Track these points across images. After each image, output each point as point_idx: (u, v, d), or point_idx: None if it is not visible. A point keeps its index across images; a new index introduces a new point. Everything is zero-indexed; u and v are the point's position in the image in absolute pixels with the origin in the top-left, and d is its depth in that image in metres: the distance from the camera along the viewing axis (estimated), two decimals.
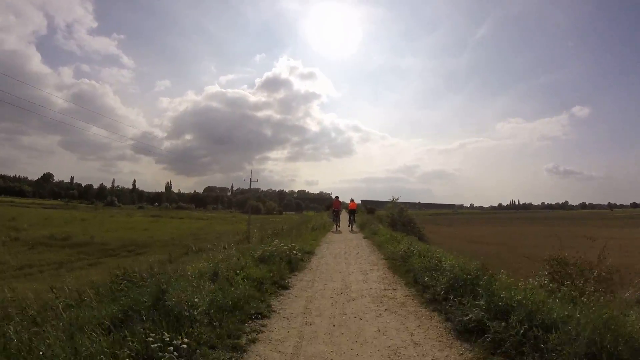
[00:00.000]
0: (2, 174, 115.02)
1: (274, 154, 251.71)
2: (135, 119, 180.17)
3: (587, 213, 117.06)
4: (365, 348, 3.43)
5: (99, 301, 4.83)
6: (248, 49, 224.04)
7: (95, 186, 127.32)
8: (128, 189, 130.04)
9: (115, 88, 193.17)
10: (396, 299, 5.10)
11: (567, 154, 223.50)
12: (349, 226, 18.74)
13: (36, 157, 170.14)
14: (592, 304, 3.67)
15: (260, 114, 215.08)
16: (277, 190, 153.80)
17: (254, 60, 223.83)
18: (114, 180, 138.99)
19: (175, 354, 3.11)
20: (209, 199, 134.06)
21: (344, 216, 20.50)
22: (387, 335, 3.74)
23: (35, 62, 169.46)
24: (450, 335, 3.70)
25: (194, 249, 12.33)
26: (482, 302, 3.83)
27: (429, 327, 3.94)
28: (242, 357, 3.32)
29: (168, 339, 3.29)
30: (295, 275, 6.79)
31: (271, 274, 6.18)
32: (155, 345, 3.17)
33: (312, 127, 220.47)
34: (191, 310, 3.90)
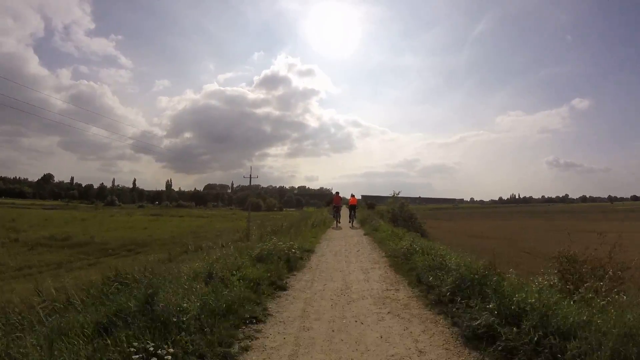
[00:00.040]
0: (3, 175, 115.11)
1: (273, 151, 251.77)
2: (134, 118, 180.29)
3: (587, 206, 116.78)
4: (366, 357, 3.16)
5: (87, 304, 4.60)
6: (247, 48, 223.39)
7: (96, 186, 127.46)
8: (128, 188, 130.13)
9: (113, 88, 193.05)
10: (399, 300, 4.83)
11: (567, 147, 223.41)
12: (349, 222, 18.51)
13: (36, 159, 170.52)
14: (610, 308, 3.41)
15: (259, 111, 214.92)
16: (277, 186, 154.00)
17: (252, 58, 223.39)
18: (114, 179, 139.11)
19: None
20: (209, 197, 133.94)
21: (345, 212, 20.28)
22: (390, 342, 3.48)
23: (33, 65, 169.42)
24: (457, 342, 3.43)
25: (191, 248, 12.06)
26: (492, 305, 3.56)
27: (434, 333, 3.67)
28: None
29: (152, 348, 3.04)
30: (294, 275, 6.53)
31: (269, 274, 5.92)
32: (137, 356, 2.92)
33: (312, 123, 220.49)
34: (180, 316, 3.65)
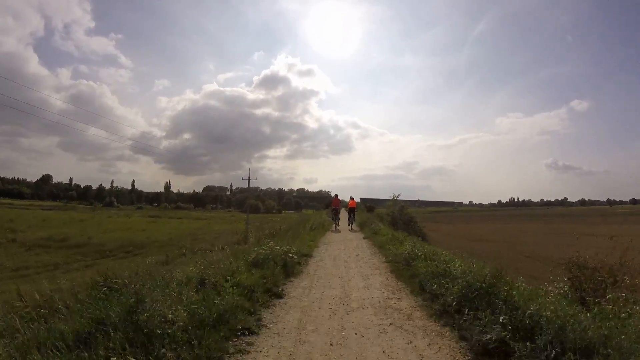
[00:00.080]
0: (1, 176, 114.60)
1: (272, 152, 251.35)
2: (133, 118, 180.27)
3: (586, 209, 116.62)
4: None
5: (73, 311, 4.32)
6: (247, 48, 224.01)
7: (95, 187, 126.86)
8: (127, 189, 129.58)
9: (113, 88, 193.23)
10: (401, 310, 4.55)
11: (566, 149, 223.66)
12: (348, 225, 18.26)
13: (35, 159, 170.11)
14: (631, 321, 3.15)
15: (259, 111, 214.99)
16: (277, 189, 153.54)
17: (252, 58, 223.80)
18: (112, 180, 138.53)
19: None
20: (208, 199, 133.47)
21: (344, 215, 20.06)
22: (392, 357, 3.20)
23: (33, 64, 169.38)
24: (466, 357, 3.15)
25: (184, 252, 11.80)
26: (503, 318, 3.29)
27: (440, 347, 3.39)
28: None
29: None
30: (291, 282, 6.25)
31: (264, 280, 5.64)
32: None
33: (311, 124, 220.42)
34: (166, 327, 3.38)
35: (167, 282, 5.05)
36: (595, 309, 3.44)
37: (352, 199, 19.98)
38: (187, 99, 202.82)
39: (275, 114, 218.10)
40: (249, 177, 37.89)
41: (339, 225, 17.92)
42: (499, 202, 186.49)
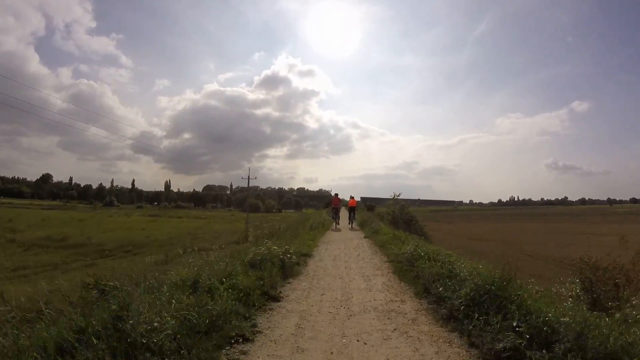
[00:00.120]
0: (1, 175, 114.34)
1: (272, 152, 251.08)
2: (134, 118, 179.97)
3: (586, 209, 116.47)
4: None
5: (61, 315, 4.08)
6: (247, 48, 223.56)
7: (95, 186, 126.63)
8: (127, 188, 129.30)
9: (113, 88, 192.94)
10: (406, 314, 4.30)
11: (566, 149, 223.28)
12: (349, 224, 18.04)
13: (36, 158, 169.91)
14: None
15: (259, 111, 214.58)
16: (277, 188, 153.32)
17: (252, 59, 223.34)
18: (113, 180, 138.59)
19: None
20: (208, 198, 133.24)
21: (344, 214, 19.88)
22: None
23: (34, 64, 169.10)
24: None
25: (180, 251, 11.56)
26: (517, 324, 3.04)
27: (449, 355, 3.14)
28: None
29: None
30: (289, 283, 6.00)
31: (261, 282, 5.38)
32: None
33: (311, 124, 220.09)
34: (152, 335, 3.13)
35: (159, 284, 4.82)
36: (617, 315, 3.19)
37: (352, 197, 19.77)
38: (188, 98, 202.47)
39: (276, 114, 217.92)
40: (248, 177, 37.72)
41: (339, 224, 17.72)
42: (499, 201, 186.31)
